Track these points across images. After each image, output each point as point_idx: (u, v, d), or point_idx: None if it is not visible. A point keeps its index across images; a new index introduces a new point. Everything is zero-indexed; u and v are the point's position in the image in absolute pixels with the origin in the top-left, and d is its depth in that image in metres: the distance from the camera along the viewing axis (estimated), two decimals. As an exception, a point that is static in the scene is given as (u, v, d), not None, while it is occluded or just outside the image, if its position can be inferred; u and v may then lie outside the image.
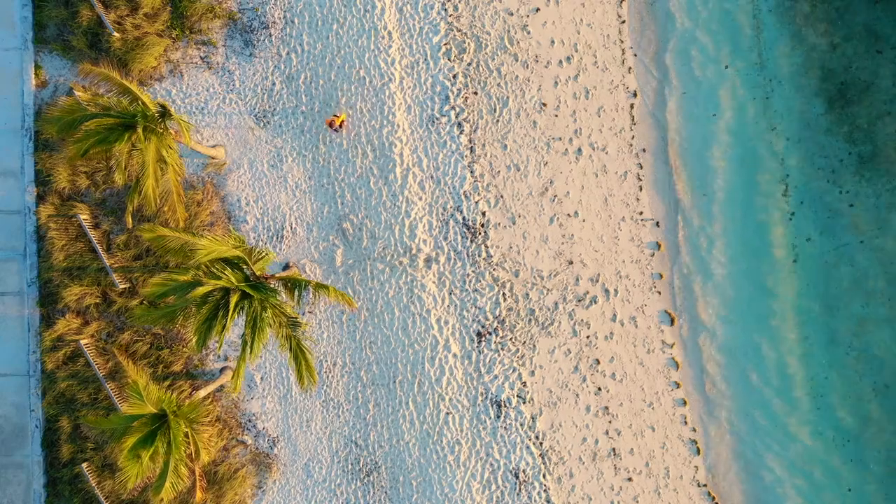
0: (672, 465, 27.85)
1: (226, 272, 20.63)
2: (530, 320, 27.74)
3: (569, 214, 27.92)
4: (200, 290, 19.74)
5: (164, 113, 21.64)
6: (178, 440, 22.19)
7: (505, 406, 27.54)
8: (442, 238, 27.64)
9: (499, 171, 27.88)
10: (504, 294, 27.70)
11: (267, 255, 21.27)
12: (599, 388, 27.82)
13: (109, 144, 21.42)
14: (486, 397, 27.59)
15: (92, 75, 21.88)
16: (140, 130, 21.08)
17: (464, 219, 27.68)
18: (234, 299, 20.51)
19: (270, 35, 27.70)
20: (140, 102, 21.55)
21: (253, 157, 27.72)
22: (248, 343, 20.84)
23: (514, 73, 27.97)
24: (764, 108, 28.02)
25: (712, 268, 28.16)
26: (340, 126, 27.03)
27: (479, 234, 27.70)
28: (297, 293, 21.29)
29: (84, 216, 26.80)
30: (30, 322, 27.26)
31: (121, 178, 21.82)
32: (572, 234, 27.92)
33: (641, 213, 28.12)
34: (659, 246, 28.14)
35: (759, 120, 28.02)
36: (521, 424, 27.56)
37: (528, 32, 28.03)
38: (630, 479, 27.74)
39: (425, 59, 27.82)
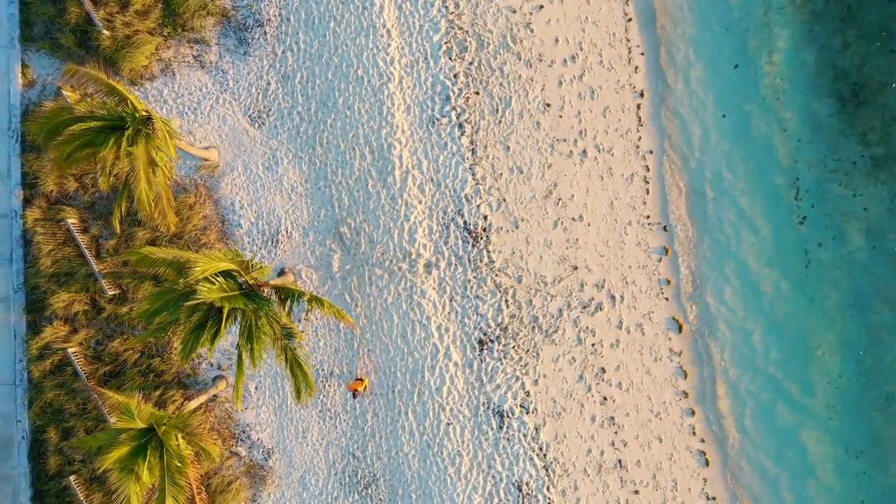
0: (680, 477, 27.04)
1: (218, 280, 19.79)
2: (533, 328, 26.93)
3: (573, 218, 27.10)
4: (193, 302, 18.88)
5: (150, 117, 20.82)
6: (171, 450, 21.37)
7: (507, 416, 26.73)
8: (442, 243, 26.83)
9: (501, 174, 27.07)
10: (506, 300, 26.88)
11: (262, 268, 20.46)
12: (605, 398, 27.01)
13: (96, 148, 20.58)
14: (488, 407, 26.77)
15: (78, 76, 21.02)
16: (128, 133, 20.22)
17: (465, 223, 26.88)
18: (227, 308, 19.64)
19: (265, 33, 26.90)
20: (128, 103, 20.70)
21: (247, 159, 26.92)
22: (247, 354, 20.03)
23: (517, 72, 27.16)
24: (775, 109, 27.22)
25: (720, 273, 27.36)
26: (364, 390, 26.33)
27: (481, 238, 26.88)
28: (290, 304, 20.47)
29: (72, 220, 26.00)
30: (16, 329, 26.46)
31: (105, 183, 21.01)
32: (577, 239, 27.11)
33: (648, 216, 27.31)
34: (666, 251, 27.33)
35: (770, 121, 27.22)
36: (525, 435, 26.74)
37: (532, 30, 27.22)
38: (637, 492, 26.92)
39: (425, 58, 27.01)
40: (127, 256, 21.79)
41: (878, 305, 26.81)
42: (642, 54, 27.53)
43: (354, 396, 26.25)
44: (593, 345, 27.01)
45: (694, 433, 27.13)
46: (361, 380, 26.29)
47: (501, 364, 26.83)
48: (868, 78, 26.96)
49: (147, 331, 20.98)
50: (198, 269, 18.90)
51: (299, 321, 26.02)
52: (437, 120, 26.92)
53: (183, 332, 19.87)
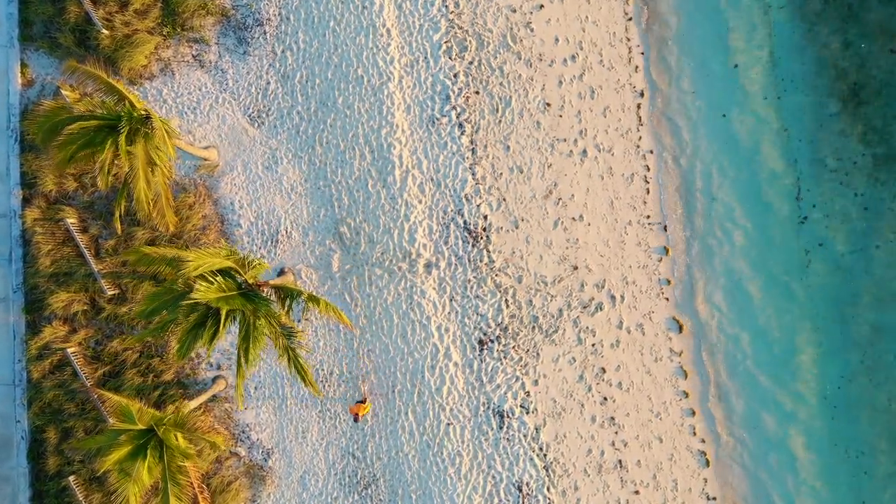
0: (680, 477, 26.98)
1: (217, 279, 19.70)
2: (534, 328, 26.86)
3: (573, 218, 27.04)
4: (189, 302, 18.79)
5: (149, 116, 20.76)
6: (172, 448, 21.31)
7: (508, 416, 26.66)
8: (442, 242, 26.76)
9: (501, 174, 27.00)
10: (506, 300, 26.82)
11: (260, 264, 20.37)
12: (605, 398, 26.94)
13: (95, 147, 20.51)
14: (488, 407, 26.70)
15: (77, 73, 20.96)
16: (124, 132, 20.14)
17: (465, 222, 26.81)
18: (224, 309, 19.56)
19: (265, 32, 26.84)
20: (127, 102, 20.63)
21: (247, 159, 26.85)
22: (244, 354, 19.95)
23: (517, 71, 27.10)
24: (775, 109, 27.15)
25: (721, 273, 27.30)
26: (366, 414, 26.29)
27: (481, 238, 26.82)
28: (288, 303, 20.39)
29: (71, 220, 25.93)
30: (15, 330, 26.38)
31: (103, 182, 20.92)
32: (577, 239, 27.05)
33: (648, 216, 27.24)
34: (666, 251, 27.26)
35: (771, 120, 27.16)
36: (525, 435, 26.67)
37: (532, 30, 27.16)
38: (637, 492, 26.86)
39: (425, 58, 26.94)
40: (126, 256, 21.72)
41: (880, 305, 26.73)
42: (642, 54, 27.47)
43: (356, 420, 26.11)
44: (593, 345, 26.95)
45: (694, 433, 27.06)
46: (363, 402, 26.15)
47: (501, 364, 26.76)
48: (869, 77, 26.88)
49: (145, 330, 20.90)
50: (191, 264, 18.82)
51: (299, 321, 25.95)
52: (437, 119, 26.86)
53: (180, 331, 19.77)
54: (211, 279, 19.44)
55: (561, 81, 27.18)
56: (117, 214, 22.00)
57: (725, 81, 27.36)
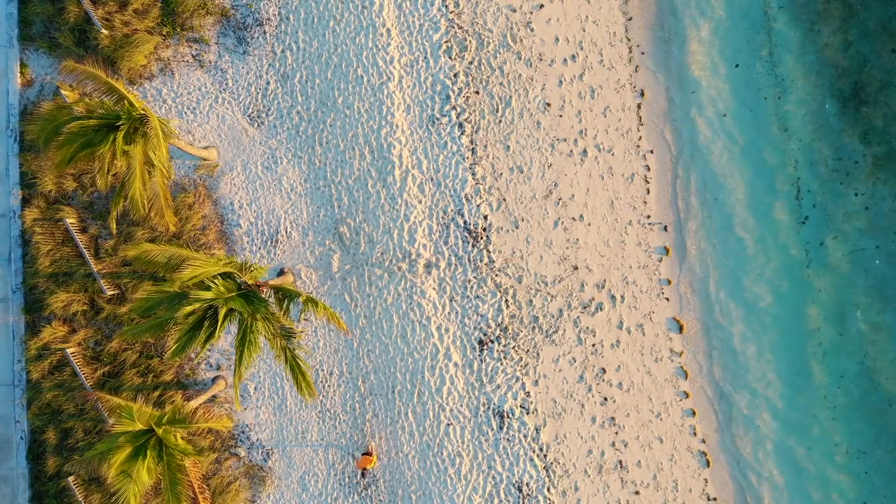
0: (681, 477, 26.93)
1: (216, 281, 19.64)
2: (534, 328, 26.81)
3: (574, 218, 26.99)
4: (187, 308, 18.74)
5: (146, 116, 20.71)
6: (171, 446, 21.26)
7: (508, 417, 26.61)
8: (442, 243, 26.72)
9: (501, 174, 26.96)
10: (507, 301, 26.77)
11: (258, 269, 20.31)
12: (605, 398, 26.89)
13: (95, 147, 20.46)
14: (489, 408, 26.66)
15: (76, 73, 20.92)
16: (122, 132, 20.08)
17: (465, 223, 26.76)
18: (223, 310, 19.51)
19: (265, 32, 26.80)
20: (126, 102, 20.58)
21: (247, 159, 26.81)
22: (239, 355, 19.89)
23: (517, 71, 27.05)
24: (776, 108, 27.12)
25: (721, 272, 27.25)
26: (373, 467, 26.30)
27: (481, 238, 26.77)
28: (286, 304, 20.33)
29: (71, 220, 25.90)
30: (14, 330, 26.33)
31: (103, 182, 20.88)
32: (577, 239, 27.00)
33: (649, 216, 27.19)
34: (667, 251, 27.21)
35: (771, 120, 27.12)
36: (525, 436, 26.63)
37: (532, 30, 27.12)
38: (637, 493, 26.81)
39: (425, 58, 26.90)
40: (126, 252, 21.65)
41: (880, 305, 26.69)
42: (643, 53, 27.42)
43: (363, 475, 26.06)
44: (594, 345, 26.90)
45: (695, 434, 27.02)
46: (369, 454, 26.10)
47: (501, 364, 26.71)
48: (870, 77, 26.86)
49: (140, 325, 20.76)
50: (186, 272, 18.78)
51: (297, 321, 25.90)
52: (437, 119, 26.81)
53: (178, 332, 19.70)
54: (210, 283, 19.39)
55: (561, 81, 27.14)
56: (113, 214, 21.94)
57: (726, 81, 27.32)
